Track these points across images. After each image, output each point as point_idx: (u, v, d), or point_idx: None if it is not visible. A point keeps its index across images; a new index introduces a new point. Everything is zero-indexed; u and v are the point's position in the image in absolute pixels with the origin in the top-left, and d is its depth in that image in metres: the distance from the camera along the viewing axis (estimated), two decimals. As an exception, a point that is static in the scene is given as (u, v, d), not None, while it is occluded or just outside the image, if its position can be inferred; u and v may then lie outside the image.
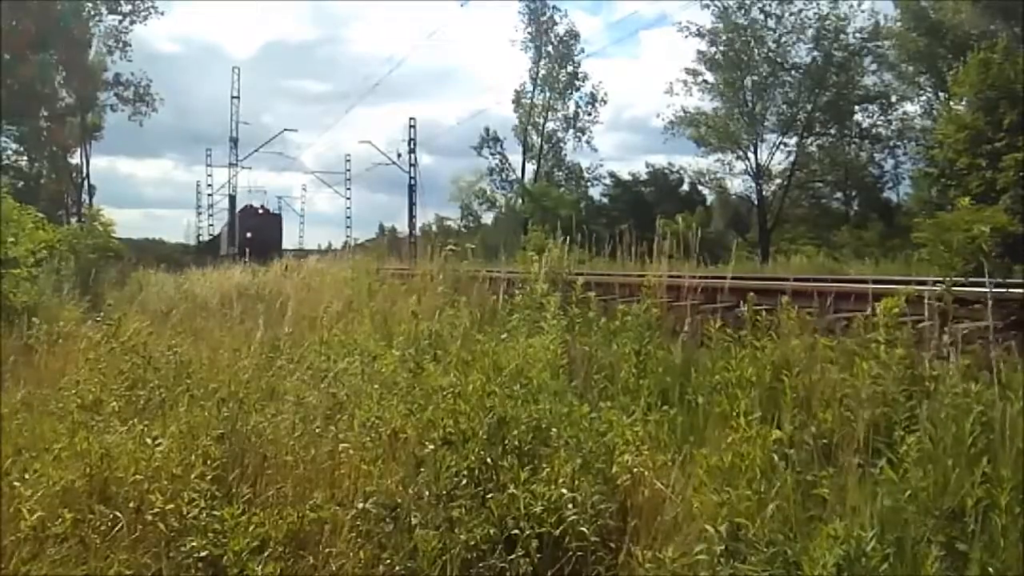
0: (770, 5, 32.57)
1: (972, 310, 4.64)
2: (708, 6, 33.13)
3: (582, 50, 40.47)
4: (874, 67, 32.74)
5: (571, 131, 40.84)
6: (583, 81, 40.44)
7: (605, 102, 40.94)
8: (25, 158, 32.96)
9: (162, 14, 33.92)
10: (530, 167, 41.75)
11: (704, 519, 2.74)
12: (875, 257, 23.17)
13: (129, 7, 32.69)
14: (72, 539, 2.87)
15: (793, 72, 32.89)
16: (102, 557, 2.79)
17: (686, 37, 33.81)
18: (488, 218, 43.28)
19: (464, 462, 3.15)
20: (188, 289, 11.66)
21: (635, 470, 3.13)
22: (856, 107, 33.43)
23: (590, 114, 40.51)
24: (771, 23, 32.67)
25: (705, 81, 34.36)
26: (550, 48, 40.25)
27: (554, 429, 3.37)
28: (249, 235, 38.82)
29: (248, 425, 3.57)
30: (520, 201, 39.77)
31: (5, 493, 3.09)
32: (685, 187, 40.54)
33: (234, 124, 43.20)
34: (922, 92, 31.43)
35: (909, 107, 32.68)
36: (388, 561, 2.79)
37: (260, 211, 45.23)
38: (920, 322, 4.20)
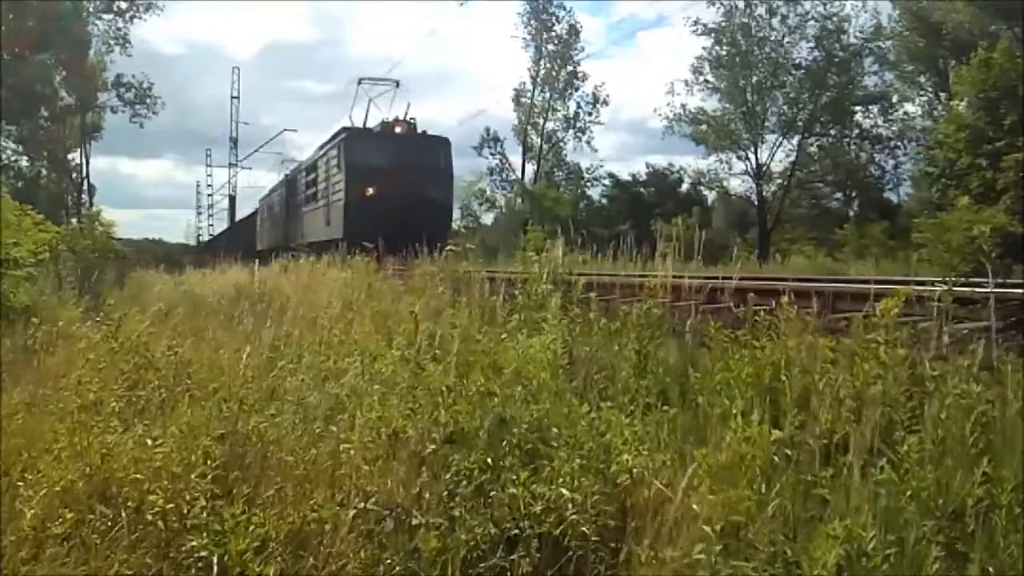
0: (775, 4, 32.60)
1: (972, 310, 4.64)
2: (713, 3, 33.18)
3: (582, 48, 40.49)
4: (875, 67, 32.81)
5: (571, 131, 40.85)
6: (583, 81, 40.45)
7: (607, 103, 40.95)
8: (25, 158, 32.97)
9: (161, 10, 33.87)
10: (530, 167, 41.75)
11: (704, 519, 2.73)
12: (875, 257, 23.19)
13: (126, 3, 32.67)
14: (72, 539, 2.87)
15: (794, 72, 32.91)
16: (102, 557, 2.79)
17: (696, 34, 33.82)
18: (488, 218, 43.20)
19: (464, 462, 3.15)
20: (188, 289, 11.65)
21: (635, 470, 3.13)
22: (857, 107, 33.45)
23: (591, 114, 40.51)
24: (775, 22, 32.69)
25: (707, 81, 34.41)
26: (551, 47, 40.24)
27: (554, 429, 3.37)
28: (372, 191, 18.35)
29: (248, 425, 3.57)
30: (520, 201, 39.73)
31: (5, 493, 3.09)
32: (685, 187, 40.55)
33: (234, 124, 43.00)
34: (923, 92, 31.49)
35: (910, 107, 32.75)
36: (388, 561, 2.79)
37: (397, 129, 20.32)
38: (920, 322, 4.20)
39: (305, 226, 24.06)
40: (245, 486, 3.20)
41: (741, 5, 33.01)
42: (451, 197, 21.90)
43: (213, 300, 9.14)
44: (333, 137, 22.49)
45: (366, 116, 22.01)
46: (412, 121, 20.84)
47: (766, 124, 33.87)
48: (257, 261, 16.87)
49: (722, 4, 33.15)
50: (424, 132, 20.88)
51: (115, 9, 32.58)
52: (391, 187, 18.19)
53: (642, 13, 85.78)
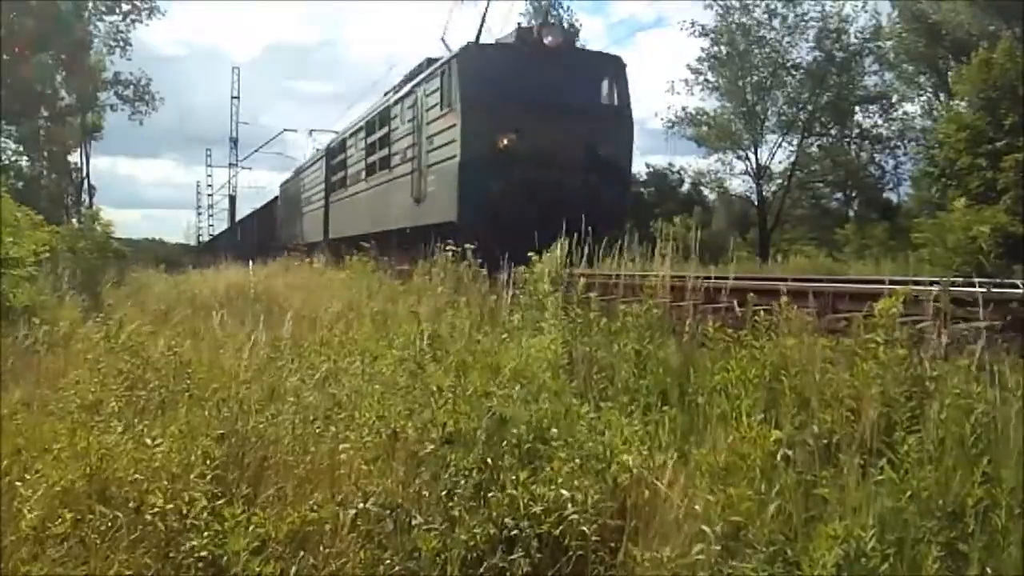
0: (775, 5, 32.58)
1: (970, 311, 4.63)
2: (711, 6, 33.14)
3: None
4: (875, 67, 32.82)
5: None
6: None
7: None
8: (25, 158, 32.97)
9: (163, 14, 33.91)
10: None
11: (704, 519, 2.74)
12: (875, 257, 23.20)
13: (128, 6, 32.73)
14: (72, 539, 2.87)
15: (794, 72, 32.90)
16: (102, 557, 2.79)
17: (689, 36, 33.79)
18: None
19: (464, 462, 3.15)
20: (188, 289, 11.65)
21: (635, 470, 3.13)
22: (857, 107, 33.47)
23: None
24: (776, 23, 32.65)
25: (707, 80, 34.37)
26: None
27: (554, 429, 3.37)
28: (507, 141, 10.76)
29: (248, 425, 3.57)
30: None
31: (5, 493, 3.09)
32: (686, 187, 40.53)
33: (234, 125, 42.95)
34: (922, 92, 31.51)
35: (909, 107, 32.78)
36: (388, 561, 2.79)
37: (547, 39, 11.55)
38: (919, 322, 4.20)
39: (368, 209, 15.68)
40: (245, 486, 3.21)
41: (737, 4, 32.97)
42: (631, 158, 12.81)
43: (213, 300, 9.14)
44: (422, 67, 13.91)
45: (481, 24, 13.34)
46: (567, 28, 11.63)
47: (766, 124, 33.87)
48: (252, 262, 14.89)
49: (718, 5, 33.15)
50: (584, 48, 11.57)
51: (116, 11, 32.63)
52: (540, 136, 10.71)
53: (641, 14, 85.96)
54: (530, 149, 10.87)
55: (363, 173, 16.85)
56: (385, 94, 16.78)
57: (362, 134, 17.34)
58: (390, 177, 14.63)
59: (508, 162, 10.83)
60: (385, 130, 15.29)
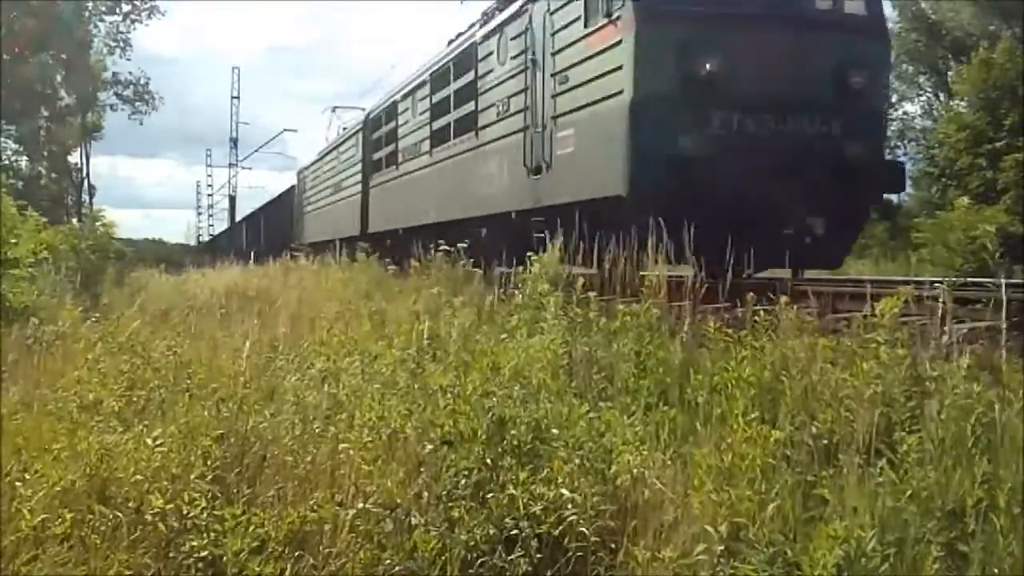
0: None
1: (972, 310, 4.63)
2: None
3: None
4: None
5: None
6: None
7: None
8: (25, 158, 33.01)
9: (163, 14, 34.01)
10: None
11: (704, 519, 2.73)
12: (875, 257, 23.21)
13: (128, 7, 32.82)
14: (72, 539, 2.87)
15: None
16: (102, 557, 2.79)
17: None
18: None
19: (464, 462, 3.15)
20: (188, 289, 11.66)
21: (635, 470, 3.13)
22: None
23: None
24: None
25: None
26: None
27: (554, 429, 3.37)
28: (712, 66, 6.68)
29: (248, 425, 3.57)
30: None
31: (5, 493, 3.09)
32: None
33: (234, 125, 42.96)
34: (922, 92, 31.54)
35: (909, 107, 32.81)
36: (388, 561, 2.79)
37: None
38: (919, 322, 4.20)
39: (435, 191, 12.23)
40: (245, 486, 3.20)
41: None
42: (888, 96, 8.30)
43: (213, 300, 9.14)
44: None
45: None
46: None
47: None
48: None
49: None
50: None
51: (117, 11, 32.72)
52: (764, 61, 7.14)
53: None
54: (749, 81, 7.15)
55: (426, 144, 12.79)
56: (450, 42, 12.41)
57: (424, 91, 12.84)
58: (476, 144, 10.56)
59: (714, 101, 7.13)
60: (469, 78, 10.95)
